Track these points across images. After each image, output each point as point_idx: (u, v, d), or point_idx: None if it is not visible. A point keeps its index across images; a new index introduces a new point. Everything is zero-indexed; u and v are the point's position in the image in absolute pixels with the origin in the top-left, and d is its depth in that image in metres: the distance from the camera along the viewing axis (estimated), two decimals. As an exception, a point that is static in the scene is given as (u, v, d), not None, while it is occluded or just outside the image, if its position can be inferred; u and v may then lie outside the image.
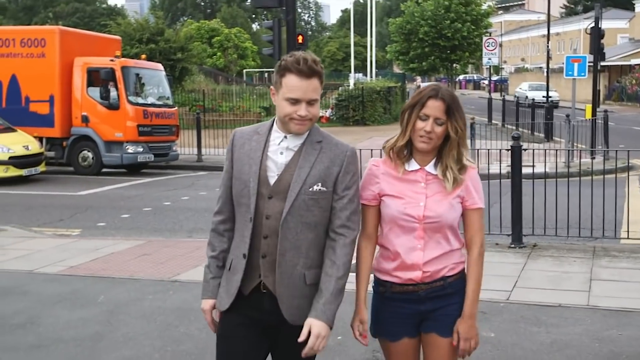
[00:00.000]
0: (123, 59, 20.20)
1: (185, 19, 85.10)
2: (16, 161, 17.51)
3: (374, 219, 3.40)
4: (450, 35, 44.32)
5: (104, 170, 19.67)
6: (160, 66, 21.98)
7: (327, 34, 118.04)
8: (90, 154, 19.53)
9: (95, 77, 19.36)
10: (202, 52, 44.52)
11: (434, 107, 3.22)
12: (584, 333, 6.07)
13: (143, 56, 22.84)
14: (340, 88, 39.82)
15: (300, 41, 17.66)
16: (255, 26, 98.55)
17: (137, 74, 20.13)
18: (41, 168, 18.54)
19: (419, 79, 74.14)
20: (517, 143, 9.43)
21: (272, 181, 3.19)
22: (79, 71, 19.41)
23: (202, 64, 45.33)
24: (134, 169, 20.21)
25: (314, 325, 3.14)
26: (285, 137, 3.22)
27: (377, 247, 3.47)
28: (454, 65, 47.82)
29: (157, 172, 20.62)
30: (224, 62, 54.12)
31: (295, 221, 3.17)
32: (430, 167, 3.31)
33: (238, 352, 3.27)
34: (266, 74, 65.56)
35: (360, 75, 62.89)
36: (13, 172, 17.43)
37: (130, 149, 19.19)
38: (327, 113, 36.90)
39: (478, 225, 3.35)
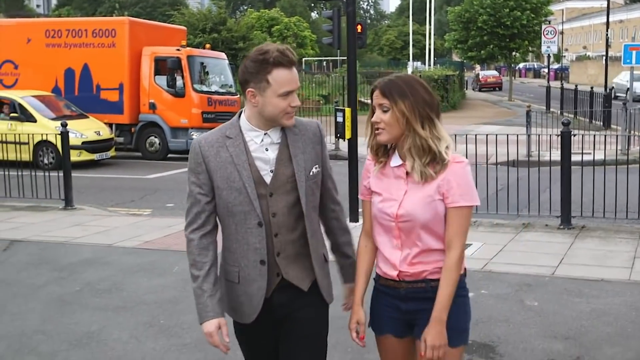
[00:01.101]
0: (189, 48, 21.00)
1: (246, 8, 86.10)
2: (88, 146, 18.48)
3: (370, 213, 3.23)
4: (509, 24, 43.97)
5: (170, 155, 20.53)
6: (223, 55, 22.73)
7: (386, 22, 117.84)
8: (157, 140, 20.41)
9: (162, 66, 20.20)
10: (262, 41, 45.21)
11: (374, 98, 3.07)
12: (623, 303, 6.51)
13: (207, 46, 23.63)
14: (398, 76, 40.16)
15: (359, 31, 18.14)
16: (314, 15, 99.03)
17: (202, 63, 20.90)
18: (111, 153, 19.52)
19: (478, 67, 73.77)
20: (566, 129, 9.81)
21: (267, 179, 3.12)
22: (147, 60, 20.27)
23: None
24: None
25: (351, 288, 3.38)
26: (266, 133, 3.13)
27: None
28: (513, 53, 47.50)
29: (220, 157, 21.36)
30: (283, 51, 54.89)
31: (308, 208, 3.16)
32: (407, 162, 3.09)
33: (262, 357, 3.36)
34: (324, 63, 66.10)
35: (418, 63, 62.96)
36: (85, 156, 18.38)
37: (195, 134, 19.94)
38: (385, 101, 37.38)
39: (458, 226, 3.02)
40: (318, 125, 3.27)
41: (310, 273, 3.21)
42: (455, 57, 72.14)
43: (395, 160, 3.11)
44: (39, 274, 7.98)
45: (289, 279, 3.17)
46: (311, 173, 3.17)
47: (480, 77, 64.43)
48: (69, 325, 6.29)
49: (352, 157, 10.73)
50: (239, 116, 3.19)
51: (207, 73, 21.29)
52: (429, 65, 54.33)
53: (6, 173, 12.79)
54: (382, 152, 3.14)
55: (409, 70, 45.37)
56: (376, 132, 3.07)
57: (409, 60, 58.82)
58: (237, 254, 3.18)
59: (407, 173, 3.07)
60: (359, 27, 18.52)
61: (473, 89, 62.22)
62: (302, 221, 3.15)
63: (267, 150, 3.13)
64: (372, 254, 3.23)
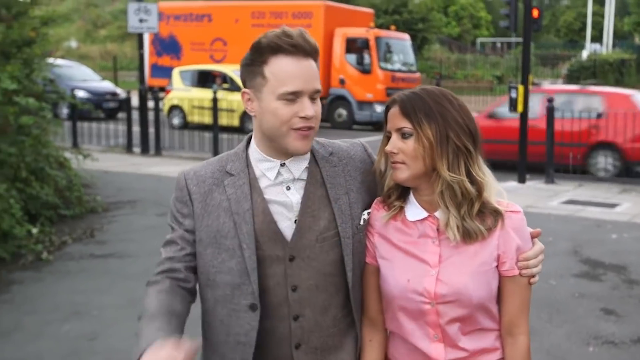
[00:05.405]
0: (376, 29, 23.25)
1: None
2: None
3: (377, 289, 2.20)
4: (695, 6, 43.18)
5: (355, 126, 22.90)
6: (406, 36, 24.83)
7: (565, 2, 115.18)
8: (344, 112, 22.85)
9: (351, 45, 22.57)
10: (439, 22, 46.83)
11: (392, 117, 2.10)
12: None
13: (393, 27, 25.83)
14: (572, 59, 40.69)
15: (535, 16, 19.57)
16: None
17: (387, 43, 23.08)
18: (305, 121, 22.14)
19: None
20: None
21: (288, 234, 2.09)
22: (338, 40, 22.69)
23: (438, 34, 47.69)
24: (380, 126, 23.27)
25: None
26: (283, 164, 2.11)
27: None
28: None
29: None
30: (459, 32, 56.01)
31: (355, 276, 2.16)
32: (441, 213, 2.10)
33: None
34: (499, 44, 66.51)
35: (597, 46, 62.03)
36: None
37: (379, 108, 22.19)
38: (558, 83, 38.09)
39: (523, 300, 2.11)
40: (364, 147, 2.27)
41: None
42: (637, 40, 70.18)
43: (415, 212, 2.14)
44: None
45: None
46: (362, 222, 2.17)
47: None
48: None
49: (523, 129, 12.50)
50: (248, 143, 2.19)
51: (392, 52, 23.44)
52: (607, 47, 53.75)
53: (220, 136, 15.54)
54: (397, 193, 2.15)
55: (584, 54, 45.45)
56: (393, 165, 2.09)
57: (585, 41, 58.18)
58: (213, 346, 2.18)
59: (437, 229, 2.11)
60: (536, 12, 19.96)
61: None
62: (339, 297, 2.15)
63: (288, 189, 2.12)
64: (381, 351, 2.24)
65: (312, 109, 2.03)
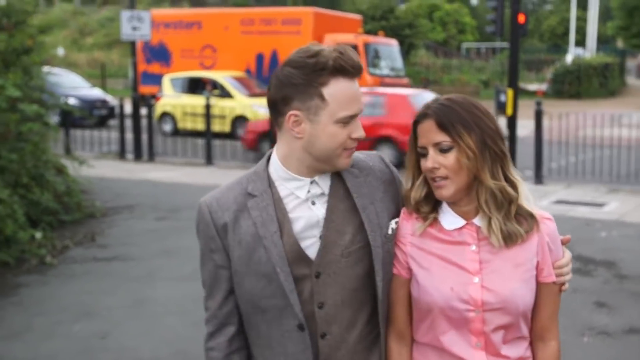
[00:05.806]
0: (365, 35, 23.53)
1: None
2: (275, 120, 21.42)
3: (406, 301, 2.20)
4: (678, 10, 43.73)
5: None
6: (394, 42, 25.14)
7: (548, 7, 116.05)
8: (334, 118, 23.10)
9: (340, 51, 22.83)
10: (424, 27, 47.21)
11: (425, 132, 2.08)
12: None
13: (381, 33, 26.14)
14: (557, 63, 41.14)
15: (522, 21, 19.86)
16: (474, 0, 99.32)
17: (375, 49, 23.37)
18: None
19: (643, 55, 71.97)
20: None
21: (312, 251, 2.09)
22: (327, 46, 22.94)
23: (424, 39, 48.07)
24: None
25: None
26: (313, 181, 2.10)
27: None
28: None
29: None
30: (444, 37, 56.43)
31: (384, 287, 2.15)
32: (480, 220, 2.11)
33: None
34: (483, 49, 67.05)
35: (582, 51, 62.56)
36: (274, 129, 21.32)
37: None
38: (543, 87, 38.53)
39: (555, 306, 2.16)
40: (381, 158, 2.27)
41: None
42: (620, 44, 70.86)
43: (451, 220, 2.14)
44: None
45: None
46: (390, 231, 2.16)
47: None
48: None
49: (512, 134, 12.77)
50: (268, 160, 2.16)
51: (380, 58, 23.73)
52: (591, 52, 54.29)
53: (212, 142, 15.76)
54: (430, 205, 2.16)
55: (568, 58, 45.95)
56: (435, 184, 2.09)
57: (568, 45, 58.71)
58: None
59: (477, 235, 2.12)
60: (522, 17, 20.25)
61: (638, 77, 61.25)
62: (364, 313, 2.16)
63: (313, 204, 2.11)
64: None
65: (362, 130, 2.05)
